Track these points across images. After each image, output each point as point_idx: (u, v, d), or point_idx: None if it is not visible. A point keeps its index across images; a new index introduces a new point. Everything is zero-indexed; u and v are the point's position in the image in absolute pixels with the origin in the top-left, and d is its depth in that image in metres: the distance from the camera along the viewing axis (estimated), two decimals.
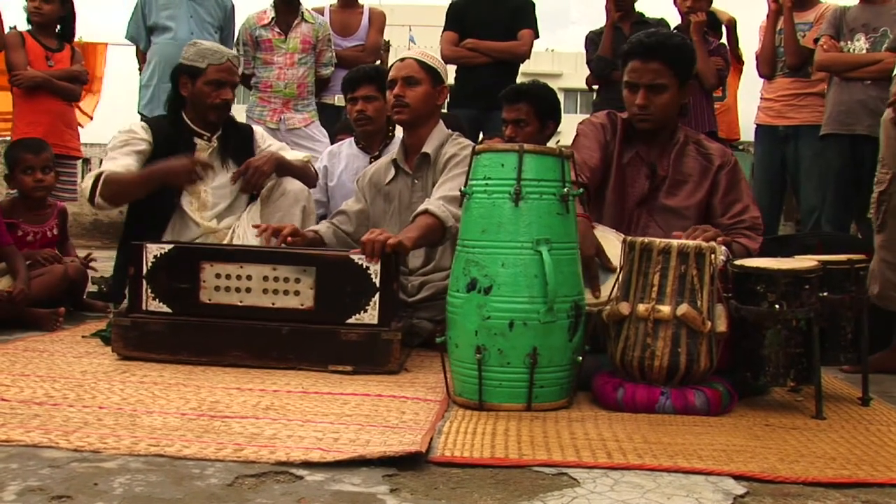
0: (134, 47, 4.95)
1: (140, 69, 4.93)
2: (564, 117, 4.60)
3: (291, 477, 1.57)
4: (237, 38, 4.78)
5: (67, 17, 4.63)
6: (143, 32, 4.76)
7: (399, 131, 3.45)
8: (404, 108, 3.08)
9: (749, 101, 5.47)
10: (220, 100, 3.29)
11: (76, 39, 4.93)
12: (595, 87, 4.85)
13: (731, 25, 5.33)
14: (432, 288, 3.00)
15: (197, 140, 3.34)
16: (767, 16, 4.64)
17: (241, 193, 3.36)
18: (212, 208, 3.33)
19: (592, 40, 4.71)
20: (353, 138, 3.99)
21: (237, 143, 3.43)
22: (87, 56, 6.33)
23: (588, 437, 1.90)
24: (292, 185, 3.31)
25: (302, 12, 4.70)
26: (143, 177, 3.17)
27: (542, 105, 3.82)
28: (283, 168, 3.37)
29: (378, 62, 5.07)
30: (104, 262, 5.67)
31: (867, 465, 1.74)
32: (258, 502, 1.43)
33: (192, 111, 3.35)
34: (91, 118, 7.56)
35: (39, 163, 3.73)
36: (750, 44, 5.47)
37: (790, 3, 4.46)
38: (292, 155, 3.50)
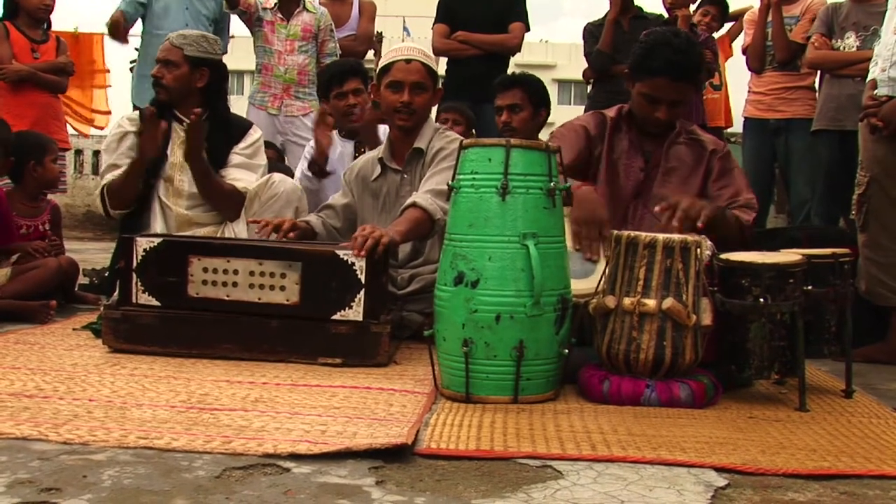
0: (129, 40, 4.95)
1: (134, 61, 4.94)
2: (559, 109, 4.66)
3: (279, 469, 1.59)
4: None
5: None
6: (137, 12, 4.68)
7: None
8: (412, 115, 3.06)
9: (736, 94, 5.51)
10: (153, 77, 3.32)
11: (71, 30, 4.93)
12: (592, 79, 4.87)
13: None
14: (422, 281, 3.01)
15: (175, 126, 3.35)
16: (759, 10, 4.67)
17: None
18: (188, 198, 3.34)
19: (591, 32, 4.72)
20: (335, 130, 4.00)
21: (217, 134, 3.30)
22: (84, 48, 6.29)
23: (573, 429, 1.92)
24: (284, 185, 3.28)
25: (304, 1, 4.71)
26: (129, 168, 3.22)
27: (534, 92, 3.96)
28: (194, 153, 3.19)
29: (371, 52, 5.08)
30: (97, 254, 5.69)
31: (847, 457, 1.76)
32: (245, 494, 1.45)
33: None
34: (109, 112, 6.95)
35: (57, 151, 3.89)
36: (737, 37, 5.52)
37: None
38: (245, 181, 3.30)
